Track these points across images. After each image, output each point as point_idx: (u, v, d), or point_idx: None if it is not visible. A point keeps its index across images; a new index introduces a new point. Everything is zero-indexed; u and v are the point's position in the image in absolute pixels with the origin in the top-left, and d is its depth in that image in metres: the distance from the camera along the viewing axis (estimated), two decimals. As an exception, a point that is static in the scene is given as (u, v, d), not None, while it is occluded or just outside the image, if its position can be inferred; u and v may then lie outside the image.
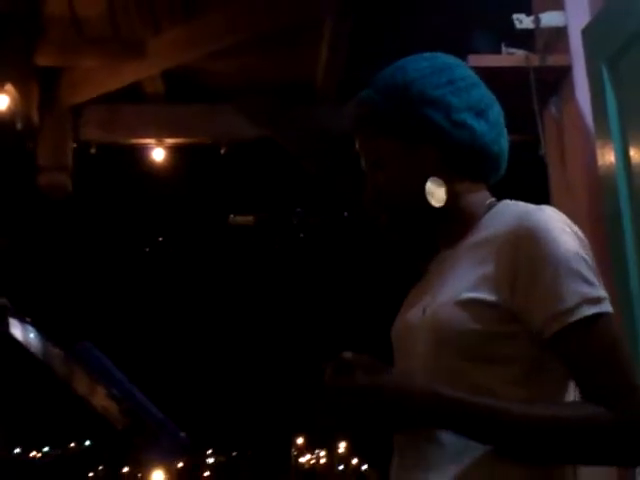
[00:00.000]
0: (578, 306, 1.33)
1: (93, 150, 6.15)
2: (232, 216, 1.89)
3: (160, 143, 6.26)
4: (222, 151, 6.28)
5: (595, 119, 2.92)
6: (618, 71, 2.77)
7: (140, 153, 6.43)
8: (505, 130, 1.58)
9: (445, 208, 1.50)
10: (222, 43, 5.17)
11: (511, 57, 3.33)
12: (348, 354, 1.36)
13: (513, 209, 1.47)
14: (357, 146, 1.59)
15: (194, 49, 5.14)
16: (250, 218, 1.89)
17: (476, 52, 3.36)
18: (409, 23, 4.84)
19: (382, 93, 1.55)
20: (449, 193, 1.51)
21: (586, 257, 1.39)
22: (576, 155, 3.24)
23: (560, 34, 3.31)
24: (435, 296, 1.47)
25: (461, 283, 1.43)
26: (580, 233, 1.44)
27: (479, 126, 1.50)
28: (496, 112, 1.56)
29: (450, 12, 4.62)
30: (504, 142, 1.56)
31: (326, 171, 6.28)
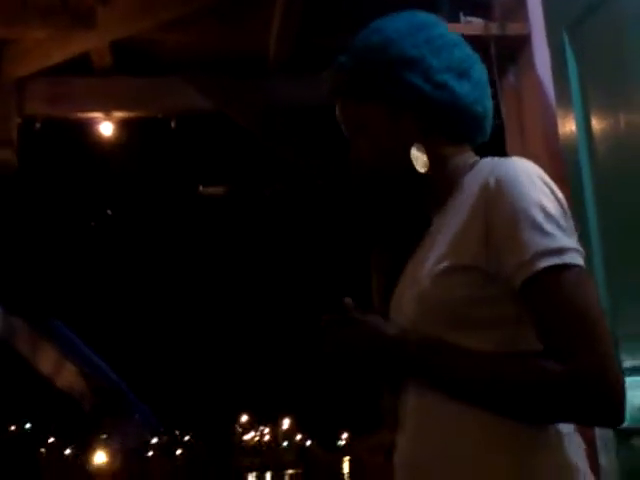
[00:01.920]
0: (535, 259, 1.29)
1: (38, 125, 6.01)
2: (202, 187, 1.83)
3: (108, 117, 6.14)
4: (172, 125, 6.19)
5: (556, 87, 2.92)
6: (579, 38, 2.76)
7: (88, 127, 6.31)
8: (489, 89, 1.54)
9: (430, 173, 1.47)
10: (173, 14, 5.06)
11: (470, 26, 3.32)
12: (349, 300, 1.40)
13: (487, 165, 1.44)
14: (337, 113, 1.55)
15: (144, 20, 5.02)
16: (220, 189, 1.83)
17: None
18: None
19: (359, 57, 1.50)
20: (433, 157, 1.47)
21: (550, 208, 1.33)
22: (535, 124, 3.25)
23: (518, 3, 3.31)
24: (423, 265, 1.44)
25: (440, 251, 1.40)
26: (552, 184, 1.39)
27: (460, 87, 1.46)
28: (478, 71, 1.52)
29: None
30: (488, 102, 1.52)
31: (279, 143, 6.23)
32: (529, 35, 3.23)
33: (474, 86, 1.48)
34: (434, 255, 1.42)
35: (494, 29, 3.27)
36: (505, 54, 3.28)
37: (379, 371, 1.41)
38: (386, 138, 1.48)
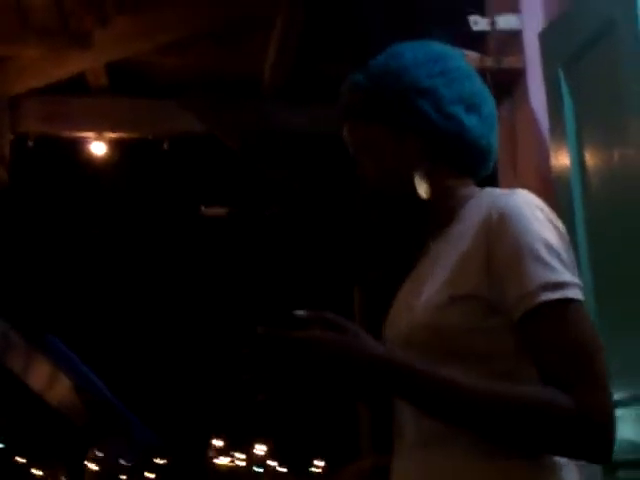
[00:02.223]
0: (537, 291, 1.29)
1: (31, 142, 6.02)
2: (204, 207, 1.85)
3: (101, 137, 6.15)
4: (165, 146, 6.21)
5: (550, 122, 2.95)
6: (574, 75, 2.80)
7: (80, 146, 6.32)
8: (497, 126, 1.56)
9: (431, 200, 1.48)
10: (170, 37, 5.11)
11: (467, 57, 3.35)
12: (301, 312, 1.32)
13: (488, 197, 1.44)
14: (345, 133, 1.56)
15: (141, 42, 5.06)
16: (222, 210, 1.84)
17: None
18: (360, 20, 4.83)
19: (374, 79, 1.51)
20: (435, 185, 1.48)
21: (553, 242, 1.34)
22: (528, 158, 3.28)
23: (513, 37, 3.35)
24: (419, 293, 1.44)
25: (439, 280, 1.40)
26: (554, 218, 1.40)
27: (469, 120, 1.47)
28: (489, 107, 1.53)
29: (400, 10, 4.63)
30: (494, 138, 1.54)
31: (270, 167, 6.26)
32: (524, 69, 3.26)
33: (483, 121, 1.50)
34: (432, 284, 1.42)
35: (489, 62, 3.30)
36: (500, 87, 3.30)
37: (361, 390, 1.41)
38: (391, 159, 1.50)
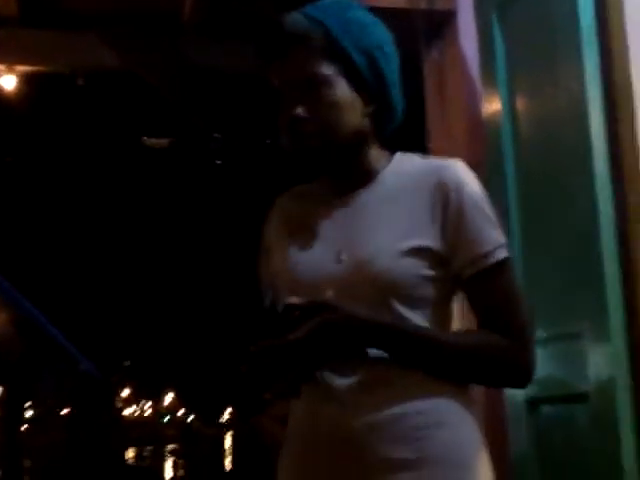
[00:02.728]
0: (494, 250, 1.49)
1: None
2: (145, 138, 1.80)
3: (11, 70, 5.92)
4: (79, 82, 6.02)
5: (482, 66, 2.95)
6: (507, 19, 2.80)
7: (-11, 79, 6.07)
8: None
9: (359, 154, 1.56)
10: (86, -35, 4.89)
11: (398, -2, 3.32)
12: (294, 299, 1.42)
13: (422, 162, 1.57)
14: (289, 63, 1.53)
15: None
16: (165, 141, 1.79)
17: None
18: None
19: (337, 22, 1.52)
20: (365, 141, 1.56)
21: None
22: (457, 100, 3.29)
23: (445, -22, 3.33)
24: (357, 243, 1.51)
25: (395, 232, 1.49)
26: None
27: (399, 96, 1.58)
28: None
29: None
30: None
31: (189, 104, 6.14)
32: (456, 11, 3.25)
33: (399, 90, 1.59)
34: (380, 236, 1.50)
35: (421, 3, 3.28)
36: (431, 29, 3.29)
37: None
38: (341, 107, 1.52)
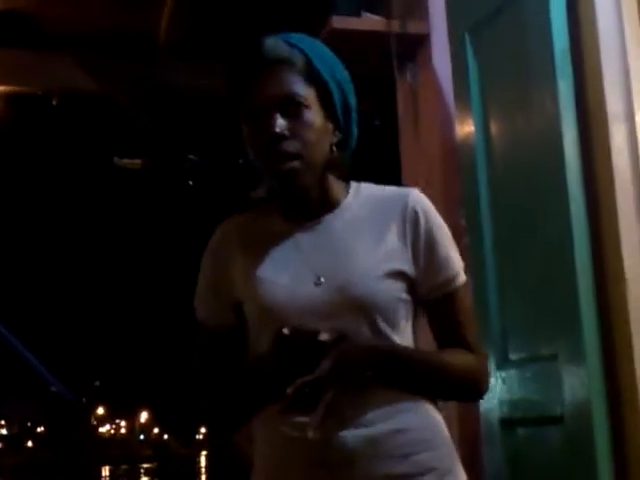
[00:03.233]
0: (458, 274, 1.61)
1: None
2: (117, 158, 1.79)
3: (-16, 89, 5.88)
4: (54, 102, 5.99)
5: (455, 88, 2.96)
6: (480, 41, 2.82)
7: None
8: None
9: (324, 181, 1.59)
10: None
11: (371, 21, 3.34)
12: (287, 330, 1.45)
13: (384, 189, 1.64)
14: (271, 76, 1.54)
15: (32, -9, 4.83)
16: (138, 162, 1.78)
17: (335, 13, 3.34)
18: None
19: (313, 51, 1.56)
20: (328, 169, 1.60)
21: None
22: (431, 124, 3.29)
23: (418, 1, 3.35)
24: (335, 266, 1.54)
25: (372, 255, 1.54)
26: None
27: (356, 130, 1.65)
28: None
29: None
30: None
31: (161, 126, 6.12)
32: (428, 35, 3.27)
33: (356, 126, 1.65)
34: (359, 259, 1.54)
35: (394, 26, 3.29)
36: (404, 52, 3.31)
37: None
38: (322, 130, 1.56)
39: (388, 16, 3.37)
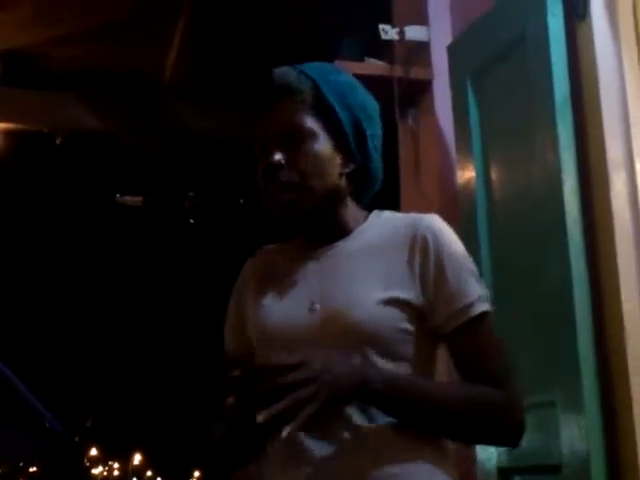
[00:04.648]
0: (476, 302, 1.48)
1: None
2: (119, 195, 1.79)
3: (-10, 127, 5.93)
4: (57, 141, 6.03)
5: (457, 134, 2.98)
6: (482, 88, 2.84)
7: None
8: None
9: (333, 211, 1.56)
10: (69, 28, 4.94)
11: (375, 66, 3.36)
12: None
13: (398, 216, 1.59)
14: (277, 108, 1.53)
15: (39, 31, 4.88)
16: (139, 199, 1.79)
17: (338, 58, 3.37)
18: (266, 25, 4.80)
19: (324, 83, 1.54)
20: (340, 200, 1.57)
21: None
22: (432, 169, 3.31)
23: (421, 48, 3.38)
24: (331, 293, 1.50)
25: (371, 282, 1.48)
26: None
27: (379, 159, 1.60)
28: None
29: (307, 17, 4.62)
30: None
31: (164, 165, 6.15)
32: (431, 81, 3.29)
33: (380, 155, 1.60)
34: (359, 287, 1.48)
35: (397, 71, 3.32)
36: (406, 97, 3.33)
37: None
38: (328, 160, 1.54)
39: (391, 61, 3.40)
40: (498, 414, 1.45)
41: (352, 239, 1.56)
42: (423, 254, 1.49)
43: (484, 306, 1.48)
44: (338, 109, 1.53)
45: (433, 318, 1.48)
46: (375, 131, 1.57)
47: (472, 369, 1.48)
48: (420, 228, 1.51)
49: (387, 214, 1.60)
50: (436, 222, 1.53)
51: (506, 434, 1.48)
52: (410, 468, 1.43)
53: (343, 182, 1.55)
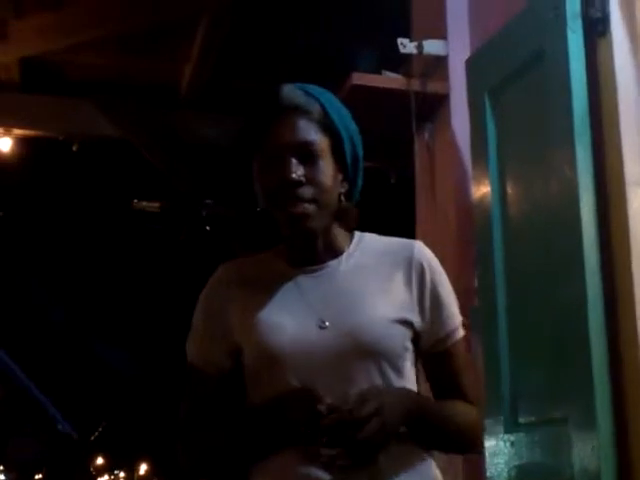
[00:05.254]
0: (459, 327, 1.64)
1: None
2: (136, 201, 1.82)
3: (8, 133, 5.97)
4: (74, 148, 6.06)
5: (473, 149, 2.97)
6: (500, 103, 2.83)
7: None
8: None
9: (329, 228, 1.61)
10: (87, 36, 4.98)
11: (392, 79, 3.37)
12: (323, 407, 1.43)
13: (388, 240, 1.67)
14: (288, 122, 1.56)
15: (58, 38, 4.91)
16: (156, 204, 1.80)
17: (356, 71, 3.38)
18: (284, 38, 4.82)
19: (329, 104, 1.60)
20: (335, 217, 1.62)
21: None
22: (447, 183, 3.30)
23: (439, 62, 3.38)
24: (341, 310, 1.55)
25: (381, 302, 1.56)
26: None
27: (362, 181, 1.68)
28: None
29: (325, 30, 4.64)
30: None
31: (180, 173, 6.18)
32: (448, 95, 3.29)
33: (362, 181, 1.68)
34: (372, 305, 1.55)
35: (415, 85, 3.32)
36: (423, 111, 3.33)
37: None
38: (334, 178, 1.59)
39: (408, 75, 3.40)
40: (478, 426, 1.65)
41: (344, 259, 1.62)
42: (420, 279, 1.59)
43: (462, 330, 1.65)
44: (342, 131, 1.59)
45: (425, 339, 1.60)
46: (362, 154, 1.65)
47: (448, 388, 1.62)
48: (414, 252, 1.62)
49: (370, 237, 1.67)
50: (425, 249, 1.65)
51: (480, 442, 1.72)
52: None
53: (342, 202, 1.61)
